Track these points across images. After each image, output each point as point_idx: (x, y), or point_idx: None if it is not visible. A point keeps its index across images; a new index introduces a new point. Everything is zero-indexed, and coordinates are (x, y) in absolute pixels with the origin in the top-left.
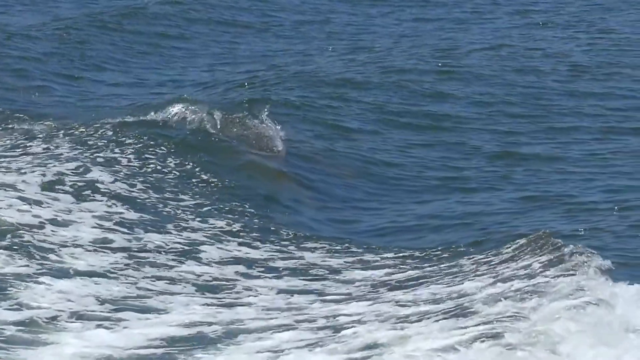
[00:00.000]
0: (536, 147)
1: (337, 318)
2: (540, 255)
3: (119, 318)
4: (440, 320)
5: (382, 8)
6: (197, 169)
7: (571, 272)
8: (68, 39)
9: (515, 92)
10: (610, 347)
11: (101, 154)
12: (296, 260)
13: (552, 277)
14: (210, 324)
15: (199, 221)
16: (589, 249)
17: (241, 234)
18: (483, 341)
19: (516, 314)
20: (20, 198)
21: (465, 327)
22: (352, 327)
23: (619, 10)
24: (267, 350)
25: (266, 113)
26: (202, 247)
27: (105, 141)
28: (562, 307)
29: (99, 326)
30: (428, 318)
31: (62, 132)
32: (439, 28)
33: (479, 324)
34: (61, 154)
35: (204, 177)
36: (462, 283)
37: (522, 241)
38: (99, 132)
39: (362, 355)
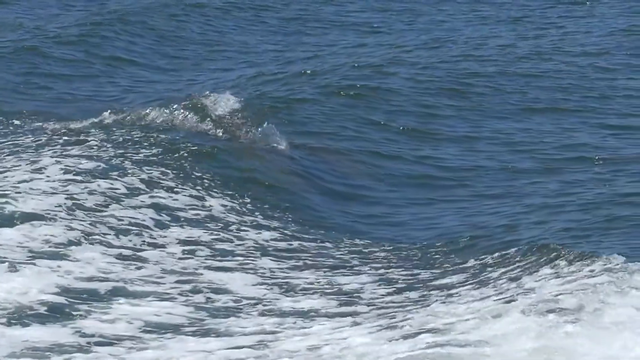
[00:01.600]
0: (451, 124)
1: (217, 297)
2: (433, 241)
3: (33, 263)
4: (327, 309)
5: None
6: (154, 135)
7: (464, 258)
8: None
9: (451, 74)
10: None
11: (84, 138)
12: (201, 212)
13: (442, 259)
14: (104, 279)
15: (136, 170)
16: (479, 228)
17: (166, 182)
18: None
19: (407, 302)
20: None
21: (359, 323)
22: (229, 314)
23: (565, 7)
24: (144, 319)
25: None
26: (130, 193)
27: (93, 130)
28: (456, 293)
29: (10, 271)
30: (310, 309)
31: (53, 125)
32: (390, 17)
33: (370, 313)
34: (48, 141)
35: (160, 137)
36: (349, 270)
37: (415, 224)
38: (86, 127)
39: (232, 347)
